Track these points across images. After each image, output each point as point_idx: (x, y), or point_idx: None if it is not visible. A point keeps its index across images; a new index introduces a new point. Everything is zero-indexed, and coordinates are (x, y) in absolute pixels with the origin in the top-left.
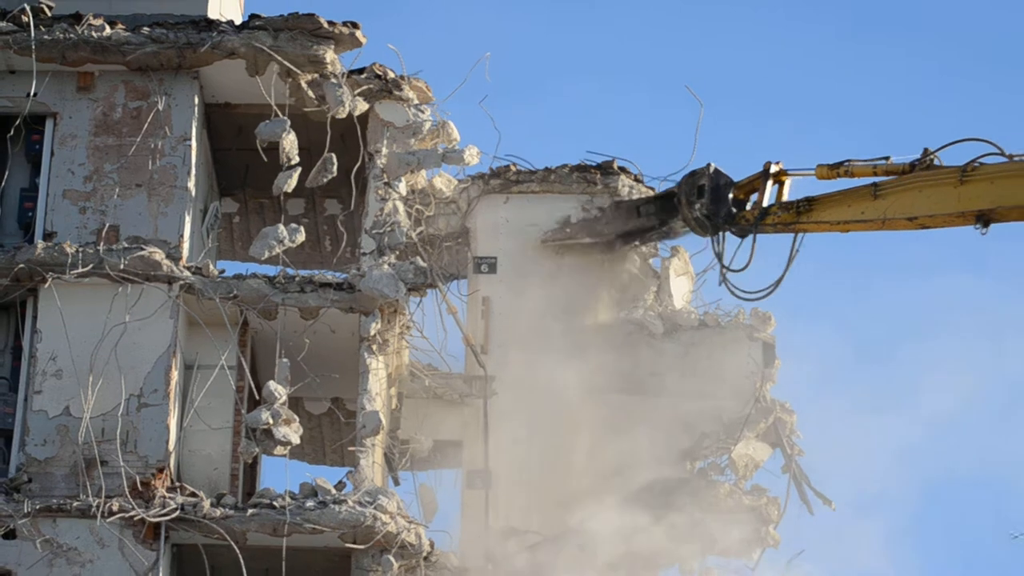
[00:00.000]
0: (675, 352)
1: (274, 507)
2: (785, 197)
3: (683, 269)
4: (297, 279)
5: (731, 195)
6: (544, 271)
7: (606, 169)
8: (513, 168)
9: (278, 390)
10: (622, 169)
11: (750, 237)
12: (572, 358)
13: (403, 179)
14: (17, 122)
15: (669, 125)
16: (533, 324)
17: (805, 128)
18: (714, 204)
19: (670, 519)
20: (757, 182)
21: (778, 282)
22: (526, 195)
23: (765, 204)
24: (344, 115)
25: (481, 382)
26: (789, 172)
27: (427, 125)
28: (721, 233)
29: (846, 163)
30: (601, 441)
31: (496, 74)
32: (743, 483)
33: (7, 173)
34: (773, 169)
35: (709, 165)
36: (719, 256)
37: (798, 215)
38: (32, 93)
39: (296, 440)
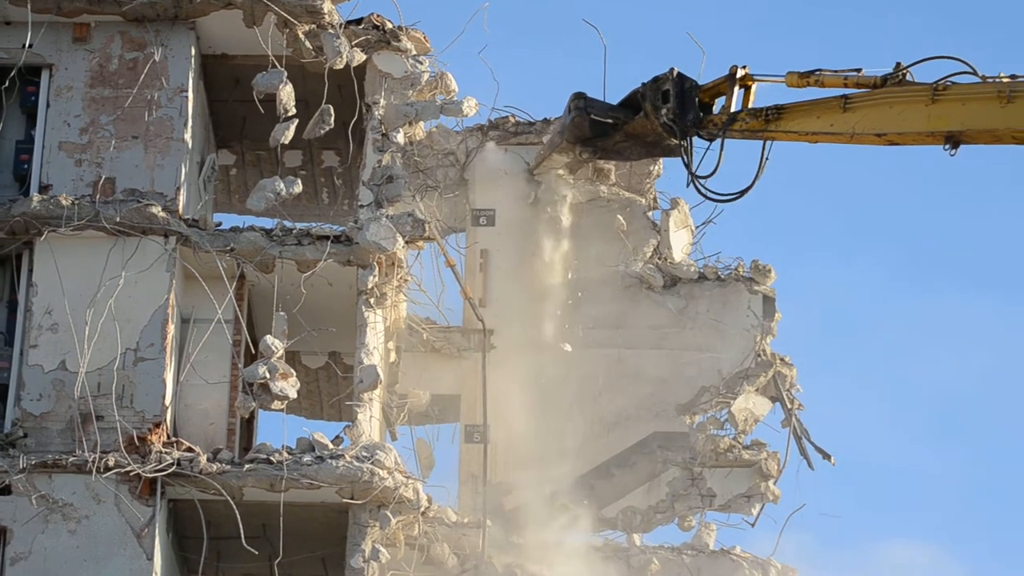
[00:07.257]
0: (675, 305)
1: (271, 462)
2: (752, 102)
3: (683, 222)
4: (294, 232)
5: (697, 99)
6: (543, 223)
7: None
8: (512, 119)
9: (275, 344)
10: None
11: (718, 141)
12: (571, 311)
13: (401, 131)
14: (12, 73)
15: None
16: (531, 277)
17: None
18: (680, 108)
19: (669, 474)
20: (723, 86)
21: (750, 186)
22: (525, 146)
23: (733, 109)
24: (341, 66)
25: (479, 336)
26: (756, 77)
27: (425, 76)
28: (689, 138)
29: (817, 72)
30: (600, 394)
31: (494, 25)
32: (742, 438)
33: (2, 125)
34: (739, 74)
35: (672, 70)
36: (687, 163)
37: (766, 123)
38: (28, 44)
39: (293, 395)
